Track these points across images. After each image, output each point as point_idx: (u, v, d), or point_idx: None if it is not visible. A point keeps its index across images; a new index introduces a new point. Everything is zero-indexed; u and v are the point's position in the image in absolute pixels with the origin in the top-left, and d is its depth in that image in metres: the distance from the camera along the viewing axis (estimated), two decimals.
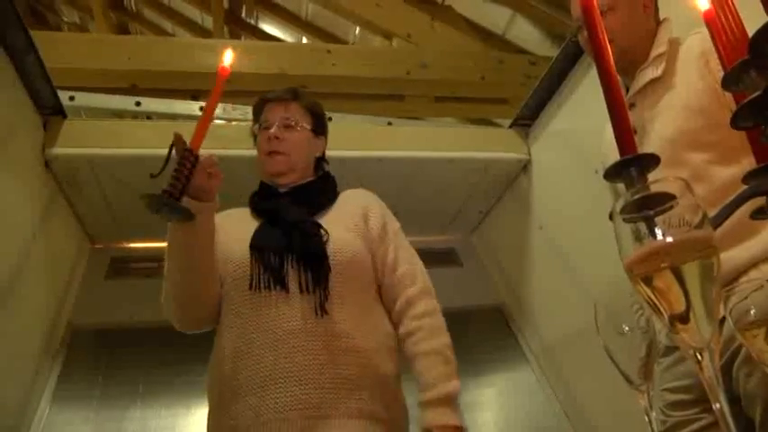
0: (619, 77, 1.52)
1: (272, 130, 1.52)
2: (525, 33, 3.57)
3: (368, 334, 1.37)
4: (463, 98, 3.48)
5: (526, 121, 2.60)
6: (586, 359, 2.23)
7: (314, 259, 1.36)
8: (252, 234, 1.42)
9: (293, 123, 1.55)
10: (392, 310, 1.45)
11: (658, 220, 0.85)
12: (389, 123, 2.75)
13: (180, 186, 1.11)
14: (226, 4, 4.31)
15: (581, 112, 2.28)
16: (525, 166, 2.60)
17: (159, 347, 2.32)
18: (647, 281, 0.59)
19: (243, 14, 4.44)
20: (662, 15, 1.52)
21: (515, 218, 2.71)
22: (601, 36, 0.88)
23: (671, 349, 1.42)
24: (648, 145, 1.41)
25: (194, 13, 4.68)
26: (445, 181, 2.61)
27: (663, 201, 0.78)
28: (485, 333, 2.73)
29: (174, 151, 1.17)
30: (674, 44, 1.46)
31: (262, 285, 1.34)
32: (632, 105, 1.48)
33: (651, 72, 1.45)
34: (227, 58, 1.20)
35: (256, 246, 1.39)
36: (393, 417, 1.34)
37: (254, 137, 1.62)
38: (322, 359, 1.29)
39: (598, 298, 2.08)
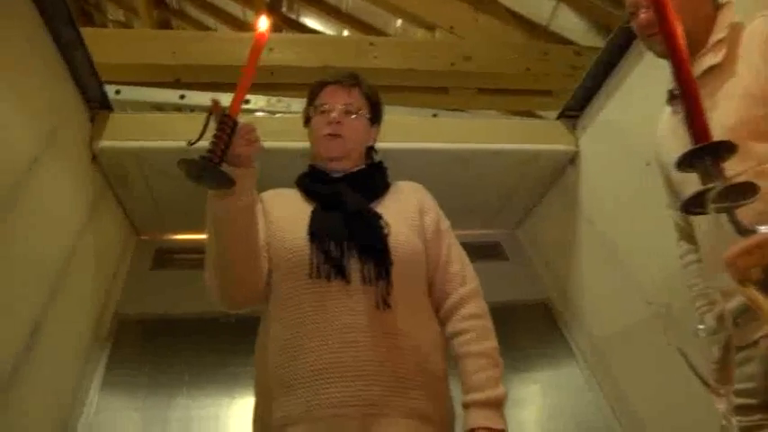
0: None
1: (335, 114, 1.51)
2: (570, 24, 3.49)
3: (423, 331, 1.36)
4: (507, 90, 3.43)
5: (574, 112, 2.54)
6: (638, 357, 2.18)
7: (377, 251, 1.33)
8: (308, 219, 1.38)
9: (354, 110, 1.54)
10: (441, 308, 1.43)
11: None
12: (434, 115, 2.72)
13: (219, 152, 1.09)
14: None
15: (631, 103, 2.21)
16: (573, 159, 2.54)
17: (204, 337, 2.35)
18: (749, 274, 0.55)
19: (284, 8, 4.46)
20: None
21: (562, 211, 2.65)
22: (670, 15, 0.84)
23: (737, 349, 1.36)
24: None
25: (236, 9, 4.72)
26: (491, 173, 2.57)
27: (744, 191, 0.74)
28: (530, 328, 2.68)
29: (212, 119, 1.14)
30: (736, 29, 1.39)
31: (322, 274, 1.29)
32: None
33: (710, 59, 1.38)
34: (263, 23, 1.17)
35: (316, 232, 1.34)
36: (442, 417, 1.32)
37: (307, 119, 1.60)
38: (382, 355, 1.25)
39: (652, 295, 2.04)
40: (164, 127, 2.25)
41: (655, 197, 1.90)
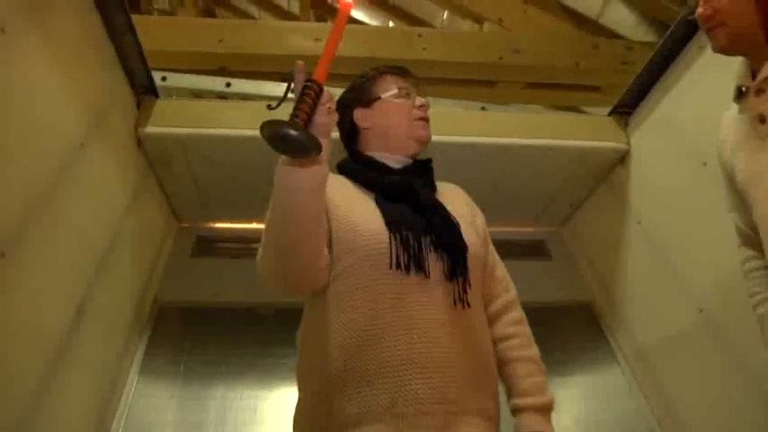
0: (743, 60, 1.39)
1: (424, 100, 1.52)
2: (620, 17, 3.39)
3: (486, 331, 1.35)
4: (555, 85, 3.35)
5: (626, 108, 2.45)
6: (685, 364, 2.10)
7: (457, 247, 1.30)
8: (377, 208, 1.33)
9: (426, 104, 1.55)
10: (485, 309, 1.42)
11: None
12: (483, 108, 2.67)
13: (305, 117, 1.01)
14: None
15: (688, 100, 2.13)
16: (623, 157, 2.46)
17: (242, 328, 2.34)
18: None
19: None
20: None
21: (610, 211, 2.57)
22: None
23: None
24: None
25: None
26: (539, 170, 2.51)
27: None
28: (572, 330, 2.62)
29: (294, 83, 1.06)
30: None
31: (402, 266, 1.24)
32: (760, 92, 1.34)
33: None
34: None
35: (394, 222, 1.29)
36: (498, 417, 1.30)
37: (372, 99, 1.53)
38: (460, 353, 1.22)
39: (704, 301, 1.96)
40: (209, 114, 2.24)
41: (711, 199, 1.83)
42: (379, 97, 1.51)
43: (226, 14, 5.17)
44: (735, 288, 1.64)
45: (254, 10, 5.02)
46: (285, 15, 4.74)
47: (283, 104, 1.08)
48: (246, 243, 2.56)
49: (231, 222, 2.70)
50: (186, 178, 2.41)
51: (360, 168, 1.46)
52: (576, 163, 2.50)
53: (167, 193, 2.52)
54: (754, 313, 1.46)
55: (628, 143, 2.44)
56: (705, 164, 1.96)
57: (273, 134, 0.98)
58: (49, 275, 1.53)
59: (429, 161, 1.54)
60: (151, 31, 2.75)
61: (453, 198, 1.49)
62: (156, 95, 2.28)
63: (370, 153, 1.49)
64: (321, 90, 1.05)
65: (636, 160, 2.42)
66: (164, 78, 2.53)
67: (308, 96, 1.03)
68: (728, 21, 1.32)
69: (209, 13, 5.10)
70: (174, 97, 2.65)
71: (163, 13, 5.52)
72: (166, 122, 2.21)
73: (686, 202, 2.09)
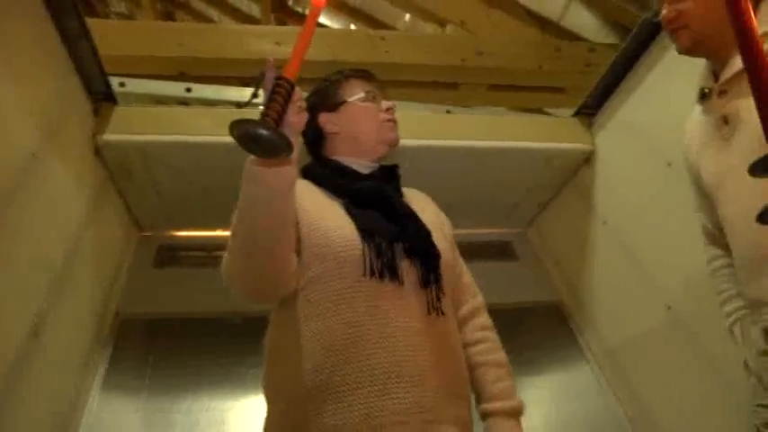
0: (705, 63, 1.40)
1: (391, 103, 1.48)
2: (582, 20, 3.42)
3: (458, 338, 1.33)
4: (519, 87, 3.35)
5: (590, 110, 2.47)
6: (655, 362, 2.12)
7: (430, 254, 1.28)
8: (347, 215, 1.29)
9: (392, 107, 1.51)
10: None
11: None
12: (448, 111, 2.65)
13: (275, 116, 0.96)
14: None
15: (652, 101, 2.14)
16: (588, 158, 2.48)
17: (208, 338, 2.28)
18: None
19: (290, 2, 4.39)
20: None
21: (576, 211, 2.59)
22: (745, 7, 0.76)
23: None
24: (745, 135, 1.29)
25: (241, 2, 4.65)
26: (505, 172, 2.50)
27: None
28: (541, 330, 2.62)
29: (264, 81, 1.02)
30: None
31: (376, 274, 1.21)
32: (723, 93, 1.35)
33: None
34: None
35: (367, 229, 1.25)
36: (471, 424, 1.27)
37: (338, 103, 1.48)
38: (436, 361, 1.20)
39: (672, 299, 1.98)
40: (170, 120, 2.18)
41: (677, 198, 1.84)
42: (345, 101, 1.47)
43: (185, 18, 5.07)
44: (702, 285, 1.66)
45: (213, 13, 4.94)
46: (246, 19, 4.67)
47: (250, 106, 1.04)
48: (210, 251, 2.50)
49: (194, 230, 2.64)
50: (147, 186, 2.34)
51: (327, 173, 1.41)
52: (542, 164, 2.50)
53: (127, 203, 2.45)
54: (721, 310, 1.47)
55: (592, 144, 2.45)
56: (670, 164, 1.98)
57: (244, 134, 0.93)
58: (1, 292, 1.46)
59: (396, 167, 1.50)
60: (108, 35, 2.66)
61: (422, 204, 1.46)
62: (115, 102, 2.21)
63: (336, 158, 1.45)
64: (293, 88, 1.00)
65: (601, 161, 2.44)
66: (122, 84, 2.46)
67: (280, 95, 0.98)
68: (692, 23, 1.33)
69: (168, 16, 5.00)
70: (133, 103, 2.57)
71: (120, 16, 5.40)
72: (125, 129, 2.14)
73: (652, 201, 2.11)
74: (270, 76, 1.01)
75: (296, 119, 1.03)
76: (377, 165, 1.46)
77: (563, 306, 2.69)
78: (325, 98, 1.50)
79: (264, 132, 0.93)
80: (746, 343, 1.39)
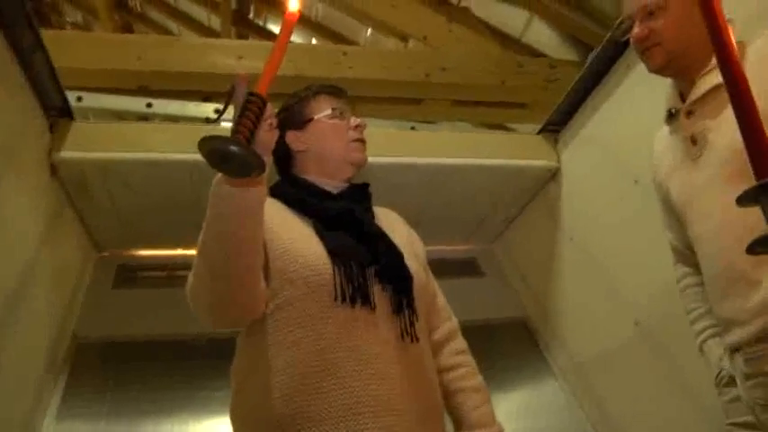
0: (672, 83, 1.41)
1: (360, 121, 1.42)
2: (543, 37, 3.47)
3: (432, 364, 1.29)
4: (481, 102, 3.37)
5: (555, 126, 2.48)
6: (624, 378, 2.12)
7: (403, 278, 1.24)
8: (317, 236, 1.24)
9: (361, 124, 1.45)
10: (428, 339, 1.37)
11: None
12: (413, 128, 2.64)
13: (247, 134, 0.92)
14: (234, 5, 4.21)
15: (617, 119, 2.16)
16: (554, 175, 2.48)
17: (171, 362, 2.20)
18: None
19: (251, 15, 4.33)
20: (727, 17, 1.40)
21: (542, 228, 2.59)
22: (724, 31, 0.75)
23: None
24: (713, 155, 1.30)
25: (201, 14, 4.58)
26: (471, 188, 2.49)
27: None
28: (508, 347, 2.61)
29: (234, 95, 0.98)
30: (740, 47, 1.33)
31: (347, 299, 1.16)
32: (690, 113, 1.36)
33: (714, 77, 1.32)
34: (294, 2, 1.03)
35: (337, 252, 1.20)
36: None
37: (306, 121, 1.43)
38: (409, 389, 1.16)
39: (640, 315, 1.98)
40: (130, 137, 2.10)
41: (644, 215, 1.86)
42: (312, 118, 1.42)
43: (144, 29, 4.96)
44: (670, 301, 1.66)
45: (173, 25, 4.85)
46: (206, 32, 4.59)
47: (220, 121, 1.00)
48: (172, 271, 2.43)
49: (154, 249, 2.55)
50: (106, 205, 2.24)
51: (296, 193, 1.36)
52: (508, 181, 2.50)
53: (85, 222, 2.35)
54: (691, 328, 1.48)
55: (558, 161, 2.46)
56: (636, 181, 1.99)
57: (214, 151, 0.89)
58: None
59: (366, 186, 1.45)
60: (64, 47, 2.58)
61: (393, 225, 1.42)
62: (72, 117, 2.12)
63: (305, 176, 1.40)
64: (265, 104, 0.96)
65: (567, 178, 2.44)
66: (79, 98, 2.37)
67: (251, 111, 0.94)
68: (664, 42, 1.33)
69: (126, 27, 4.89)
70: (92, 119, 2.49)
71: (76, 26, 5.24)
72: (83, 146, 2.06)
73: (619, 218, 2.11)
74: (241, 91, 0.97)
75: (267, 136, 0.99)
76: (346, 184, 1.41)
77: (530, 322, 2.69)
78: (292, 115, 1.45)
79: (236, 150, 0.89)
80: (715, 362, 1.40)
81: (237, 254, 1.07)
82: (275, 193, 1.37)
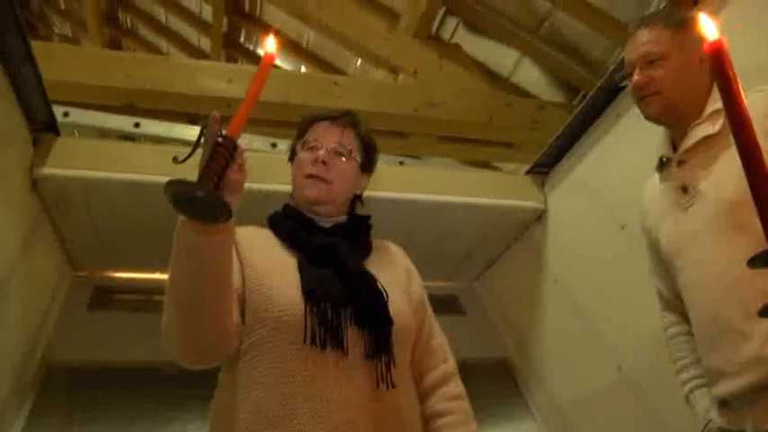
0: (664, 131, 1.43)
1: (322, 153, 1.35)
2: (531, 77, 3.53)
3: (414, 411, 1.24)
4: (467, 139, 3.40)
5: (543, 168, 2.50)
6: (604, 421, 2.12)
7: (381, 321, 1.19)
8: (296, 272, 1.21)
9: (345, 152, 1.38)
10: (419, 382, 1.32)
11: None
12: (401, 163, 2.64)
13: (215, 179, 0.91)
14: (225, 28, 4.22)
15: (607, 163, 2.18)
16: (540, 216, 2.49)
17: (143, 390, 2.12)
18: None
19: (242, 39, 4.35)
20: None
21: (526, 268, 2.59)
22: (735, 88, 0.77)
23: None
24: (704, 205, 1.32)
25: (191, 35, 4.58)
26: (456, 226, 2.48)
27: None
28: (488, 386, 2.57)
29: (204, 136, 0.96)
30: None
31: (317, 342, 1.12)
32: (682, 162, 1.39)
33: (706, 128, 1.35)
34: (271, 44, 1.03)
35: (311, 292, 1.17)
36: None
37: (293, 154, 1.44)
38: None
39: (623, 360, 1.99)
40: (115, 156, 2.06)
41: (630, 261, 1.87)
42: (295, 152, 1.43)
43: (133, 45, 4.95)
44: (655, 348, 1.67)
45: (162, 44, 4.84)
46: (195, 52, 4.60)
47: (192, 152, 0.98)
48: (150, 295, 2.38)
49: (133, 272, 2.49)
50: (86, 224, 2.19)
51: (288, 225, 1.35)
52: (494, 221, 2.50)
53: (63, 239, 2.28)
54: (677, 378, 1.48)
55: (545, 203, 2.47)
56: (623, 227, 2.01)
57: (179, 196, 0.88)
58: None
59: (367, 218, 1.44)
60: (52, 59, 2.55)
61: (390, 261, 1.40)
62: (57, 133, 2.08)
63: (295, 207, 1.39)
64: (235, 147, 0.95)
65: (553, 220, 2.45)
66: (66, 114, 2.33)
67: (221, 154, 0.93)
68: (664, 90, 1.36)
69: (115, 43, 4.88)
70: (77, 135, 2.45)
71: (64, 39, 5.21)
72: (67, 163, 2.01)
73: (605, 263, 2.12)
74: (213, 131, 0.95)
75: (237, 177, 0.98)
76: (342, 217, 1.40)
77: (510, 362, 2.67)
78: (293, 144, 1.46)
79: (201, 196, 0.88)
80: (702, 413, 1.40)
81: (202, 290, 1.05)
82: (271, 222, 1.38)
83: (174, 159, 0.98)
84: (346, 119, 1.43)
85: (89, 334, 2.24)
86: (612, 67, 2.01)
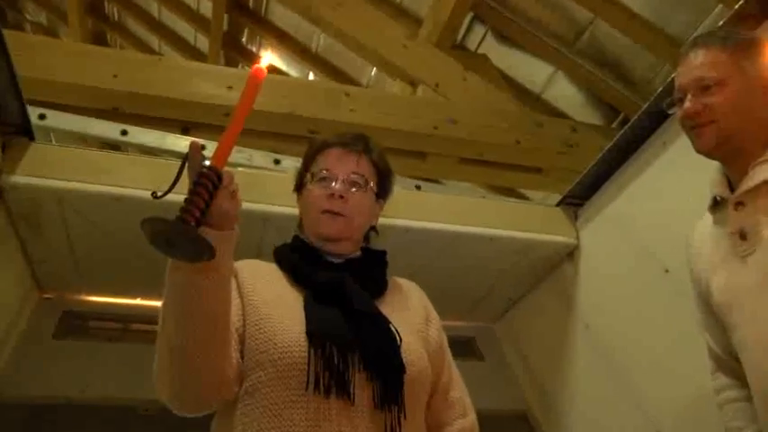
0: (719, 167, 1.40)
1: (338, 186, 1.38)
2: (566, 95, 3.53)
3: None
4: (492, 162, 3.37)
5: (577, 200, 2.48)
6: None
7: (391, 367, 1.20)
8: (301, 311, 1.22)
9: (362, 182, 1.41)
10: None
11: None
12: (418, 187, 2.62)
13: (198, 214, 0.94)
14: (225, 26, 4.24)
15: (650, 197, 2.16)
16: (571, 252, 2.47)
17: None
18: None
19: (244, 39, 4.36)
20: None
21: (553, 310, 2.56)
22: None
23: None
24: (765, 255, 1.29)
25: (187, 32, 4.60)
26: (477, 260, 2.47)
27: None
28: None
29: (187, 166, 0.98)
30: None
31: (321, 389, 1.13)
32: (740, 204, 1.35)
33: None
34: (266, 59, 1.05)
35: (316, 333, 1.18)
36: None
37: (300, 185, 1.47)
38: None
39: (659, 421, 1.94)
40: (97, 166, 2.05)
41: (674, 310, 1.84)
42: (303, 183, 1.46)
43: (120, 41, 4.98)
44: (700, 413, 1.63)
45: (154, 40, 4.86)
46: (191, 52, 4.62)
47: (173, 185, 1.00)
48: (127, 323, 2.35)
49: (109, 296, 2.46)
50: (58, 241, 2.17)
51: (295, 259, 1.38)
52: (519, 255, 2.48)
53: (30, 257, 2.25)
54: None
55: (577, 238, 2.46)
56: (667, 270, 1.98)
57: (157, 234, 0.89)
58: None
59: (383, 253, 1.46)
60: (29, 53, 2.55)
61: (406, 301, 1.41)
62: (31, 137, 2.08)
63: (304, 238, 1.42)
64: (220, 179, 0.97)
65: (585, 258, 2.43)
66: (42, 116, 2.33)
67: (203, 187, 0.95)
68: (719, 120, 1.33)
69: (98, 37, 4.90)
70: (54, 141, 2.44)
71: (38, 28, 5.21)
72: (40, 171, 2.00)
73: (644, 310, 2.09)
74: (195, 161, 0.97)
75: (228, 206, 1.01)
76: (355, 252, 1.41)
77: (530, 417, 2.64)
78: (300, 172, 1.50)
79: (180, 236, 0.91)
80: None
81: (194, 335, 1.06)
82: (278, 257, 1.41)
83: (153, 194, 0.99)
84: (359, 145, 1.45)
85: (54, 366, 2.20)
86: (660, 90, 1.98)
